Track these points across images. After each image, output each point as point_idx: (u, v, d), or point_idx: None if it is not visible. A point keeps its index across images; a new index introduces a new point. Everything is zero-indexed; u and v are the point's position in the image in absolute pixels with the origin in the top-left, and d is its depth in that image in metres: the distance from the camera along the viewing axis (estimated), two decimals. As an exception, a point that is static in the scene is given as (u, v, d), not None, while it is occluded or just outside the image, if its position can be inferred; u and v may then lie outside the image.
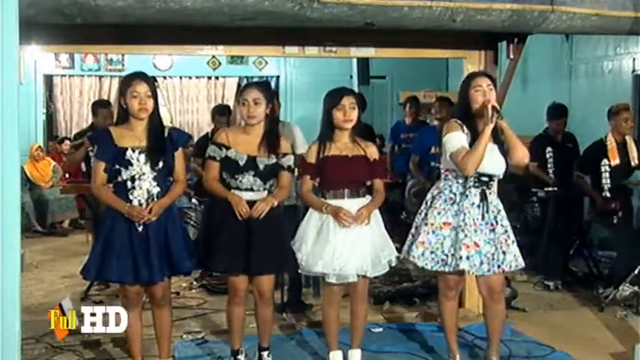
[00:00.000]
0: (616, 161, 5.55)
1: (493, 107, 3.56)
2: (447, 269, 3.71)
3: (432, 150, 5.99)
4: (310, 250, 3.72)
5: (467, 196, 3.69)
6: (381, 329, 4.66)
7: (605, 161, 5.50)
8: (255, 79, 9.39)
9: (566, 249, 6.07)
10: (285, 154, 3.80)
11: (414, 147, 6.50)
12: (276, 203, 3.73)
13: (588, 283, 5.84)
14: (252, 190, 3.71)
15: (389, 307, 5.20)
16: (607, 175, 5.48)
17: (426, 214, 3.78)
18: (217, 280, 5.68)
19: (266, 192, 3.76)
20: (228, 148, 3.70)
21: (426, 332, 4.63)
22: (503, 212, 3.76)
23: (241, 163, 3.69)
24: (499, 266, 3.69)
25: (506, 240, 3.71)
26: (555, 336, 4.50)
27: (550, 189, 5.92)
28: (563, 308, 5.34)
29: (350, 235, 3.69)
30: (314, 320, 4.79)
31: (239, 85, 10.29)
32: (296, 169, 4.66)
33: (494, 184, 3.81)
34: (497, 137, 3.69)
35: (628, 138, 5.67)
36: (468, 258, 3.64)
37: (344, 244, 3.68)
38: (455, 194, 3.71)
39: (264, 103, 3.71)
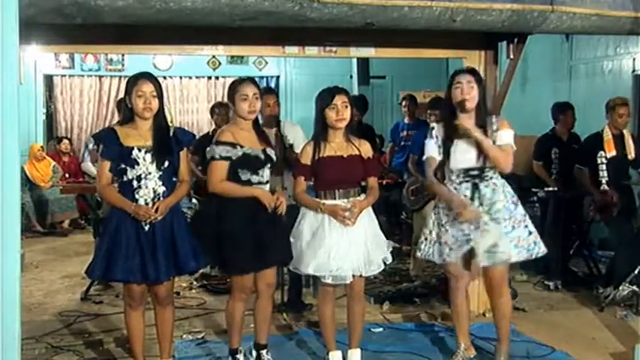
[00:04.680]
0: (612, 153, 5.55)
1: (461, 126, 3.72)
2: (436, 260, 3.93)
3: None
4: (304, 251, 3.72)
5: (457, 190, 3.78)
6: (381, 329, 4.66)
7: (601, 153, 5.51)
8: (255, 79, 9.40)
9: (566, 249, 6.07)
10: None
11: (412, 146, 6.50)
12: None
13: (588, 283, 5.83)
14: (267, 182, 3.76)
15: (389, 307, 5.20)
16: (604, 167, 5.48)
17: (438, 216, 3.89)
18: (217, 280, 5.69)
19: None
20: (241, 145, 3.66)
21: (426, 332, 4.63)
22: (500, 204, 3.74)
23: (262, 157, 3.70)
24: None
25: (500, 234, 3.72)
26: (555, 336, 4.50)
27: (550, 189, 5.92)
28: (563, 308, 5.34)
29: (345, 235, 3.68)
30: (312, 320, 4.80)
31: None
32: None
33: (490, 175, 3.78)
34: (481, 130, 3.74)
35: (625, 131, 5.68)
36: (450, 249, 3.79)
37: (339, 245, 3.67)
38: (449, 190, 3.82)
39: (260, 98, 3.76)
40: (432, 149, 3.86)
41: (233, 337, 3.89)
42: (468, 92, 3.70)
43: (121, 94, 10.40)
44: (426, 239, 3.93)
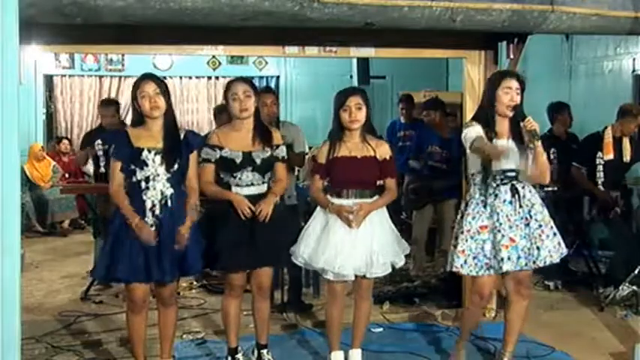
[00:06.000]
0: (610, 156, 5.56)
1: (529, 131, 3.58)
2: (492, 272, 3.68)
3: (429, 149, 5.98)
4: (314, 247, 3.72)
5: (497, 195, 3.66)
6: (381, 329, 4.66)
7: (599, 154, 5.51)
8: (255, 79, 9.40)
9: (566, 249, 6.06)
10: (278, 146, 3.83)
11: (411, 146, 6.49)
12: (278, 200, 3.76)
13: (588, 283, 5.84)
14: (252, 185, 3.73)
15: (389, 307, 5.20)
16: (601, 168, 5.48)
17: (460, 222, 3.73)
18: (217, 280, 5.68)
19: (265, 185, 3.77)
20: (221, 148, 3.72)
21: (426, 332, 4.64)
22: (538, 206, 3.70)
23: (238, 160, 3.70)
24: (534, 262, 3.66)
25: (540, 235, 3.67)
26: (555, 336, 4.49)
27: (550, 189, 5.92)
28: (563, 308, 5.34)
29: (351, 234, 3.68)
30: (315, 320, 4.80)
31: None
32: (296, 168, 4.66)
33: (523, 177, 3.73)
34: (517, 133, 3.69)
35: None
36: (509, 258, 3.61)
37: (344, 243, 3.68)
38: (485, 196, 3.67)
39: (253, 95, 3.75)
40: (478, 132, 3.63)
41: (230, 336, 3.90)
42: (517, 99, 3.66)
43: (121, 94, 10.47)
44: (457, 249, 3.71)
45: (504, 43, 4.82)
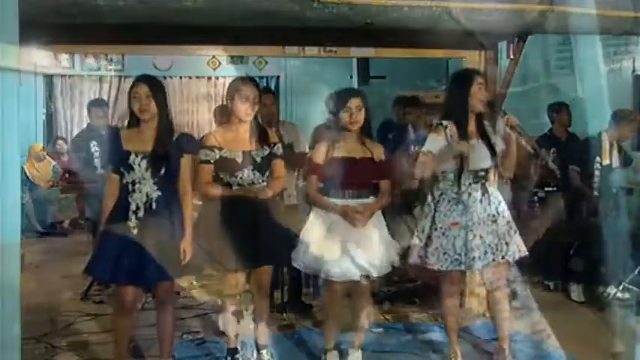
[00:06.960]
0: (607, 161, 5.56)
1: (513, 127, 3.67)
2: (462, 267, 3.74)
3: (412, 149, 5.94)
4: (315, 250, 3.72)
5: (470, 193, 3.71)
6: (381, 329, 4.65)
7: (597, 159, 5.52)
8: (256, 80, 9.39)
9: (566, 249, 6.06)
10: (275, 144, 3.83)
11: (394, 147, 6.45)
12: (271, 194, 3.74)
13: (588, 283, 5.82)
14: (253, 183, 3.73)
15: (389, 307, 5.20)
16: (597, 172, 5.50)
17: (433, 219, 3.77)
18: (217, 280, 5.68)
19: (264, 183, 3.77)
20: (220, 148, 3.70)
21: (426, 332, 4.63)
22: (503, 203, 3.80)
23: (239, 160, 3.70)
24: (503, 257, 3.72)
25: (508, 231, 3.74)
26: (555, 336, 4.49)
27: (550, 189, 5.92)
28: (563, 308, 5.34)
29: (355, 235, 3.69)
30: (314, 320, 4.80)
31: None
32: (296, 169, 4.64)
33: (491, 175, 3.83)
34: (484, 132, 3.77)
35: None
36: (479, 258, 3.67)
37: (346, 245, 3.68)
38: (457, 193, 3.73)
39: (259, 101, 3.76)
40: (437, 145, 3.69)
41: (229, 336, 3.89)
42: (487, 94, 3.75)
43: (121, 94, 10.42)
44: (431, 247, 3.77)
45: (504, 43, 4.82)
